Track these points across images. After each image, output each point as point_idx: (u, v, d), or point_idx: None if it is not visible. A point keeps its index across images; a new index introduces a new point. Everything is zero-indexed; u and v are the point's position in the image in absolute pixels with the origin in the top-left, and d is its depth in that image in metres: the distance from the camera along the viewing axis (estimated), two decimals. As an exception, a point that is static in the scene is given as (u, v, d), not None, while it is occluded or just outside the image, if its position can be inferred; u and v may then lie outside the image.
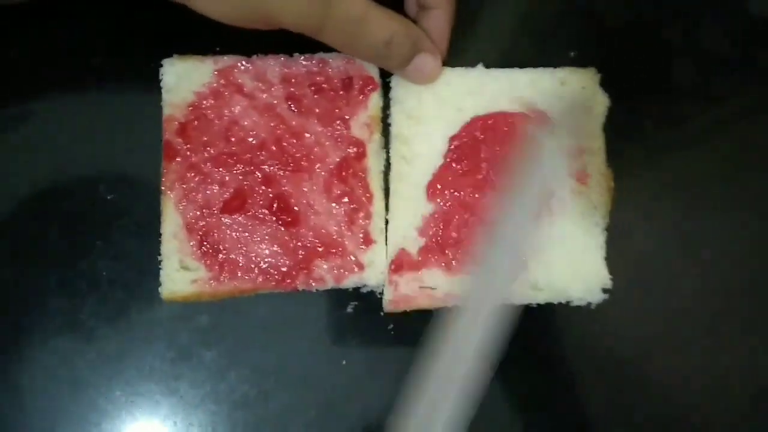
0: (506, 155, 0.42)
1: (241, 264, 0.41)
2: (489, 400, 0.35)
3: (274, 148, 0.43)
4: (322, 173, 0.43)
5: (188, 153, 0.42)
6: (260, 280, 0.41)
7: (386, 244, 0.43)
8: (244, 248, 0.42)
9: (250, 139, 0.43)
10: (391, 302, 0.42)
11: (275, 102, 0.43)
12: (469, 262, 0.40)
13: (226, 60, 0.43)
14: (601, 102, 0.44)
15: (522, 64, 0.44)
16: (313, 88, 0.43)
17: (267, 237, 0.42)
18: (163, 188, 0.42)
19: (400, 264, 0.42)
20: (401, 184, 0.43)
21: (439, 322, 0.33)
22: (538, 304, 0.42)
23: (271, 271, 0.41)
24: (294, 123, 0.43)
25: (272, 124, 0.43)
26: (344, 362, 0.43)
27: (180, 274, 0.41)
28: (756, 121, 0.47)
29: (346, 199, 0.42)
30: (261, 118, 0.43)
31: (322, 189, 0.42)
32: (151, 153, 0.43)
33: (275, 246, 0.42)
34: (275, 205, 0.42)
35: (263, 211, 0.42)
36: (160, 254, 0.42)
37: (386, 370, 0.43)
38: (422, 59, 0.41)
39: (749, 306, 0.45)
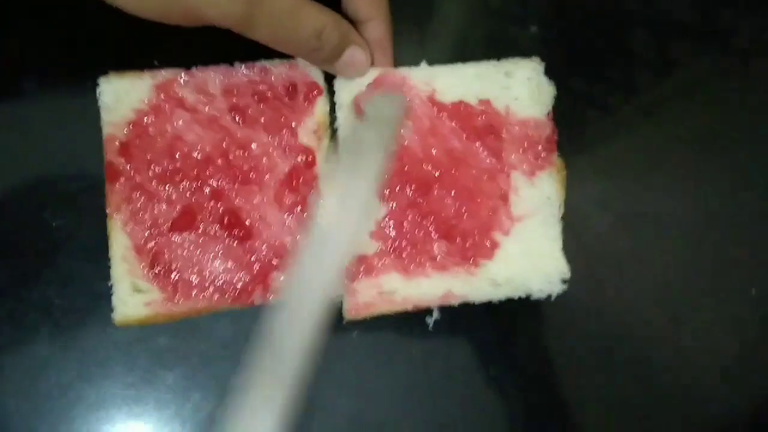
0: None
1: (195, 283, 0.40)
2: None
3: (220, 162, 0.41)
4: (272, 184, 0.42)
5: (132, 173, 0.41)
6: (216, 297, 0.41)
7: (342, 251, 0.42)
8: (197, 266, 0.41)
9: (196, 154, 0.41)
10: (350, 310, 0.41)
11: (219, 114, 0.42)
12: (292, 259, 0.39)
13: (165, 74, 0.42)
14: (546, 91, 0.43)
15: (466, 59, 0.44)
16: (256, 97, 0.42)
17: (220, 253, 0.41)
18: (108, 210, 0.41)
19: (357, 271, 0.41)
20: (353, 189, 0.42)
21: (265, 319, 0.32)
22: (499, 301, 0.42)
23: (227, 288, 0.41)
24: (239, 134, 0.42)
25: (217, 137, 0.42)
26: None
27: (132, 297, 0.40)
28: (713, 89, 0.47)
29: (299, 209, 0.42)
30: (205, 131, 0.42)
31: (273, 200, 0.42)
32: (94, 174, 0.42)
33: (229, 262, 0.41)
34: (226, 220, 0.41)
35: (214, 227, 0.41)
36: (110, 278, 0.41)
37: (352, 378, 0.43)
38: (352, 51, 0.40)
39: (711, 281, 0.46)
